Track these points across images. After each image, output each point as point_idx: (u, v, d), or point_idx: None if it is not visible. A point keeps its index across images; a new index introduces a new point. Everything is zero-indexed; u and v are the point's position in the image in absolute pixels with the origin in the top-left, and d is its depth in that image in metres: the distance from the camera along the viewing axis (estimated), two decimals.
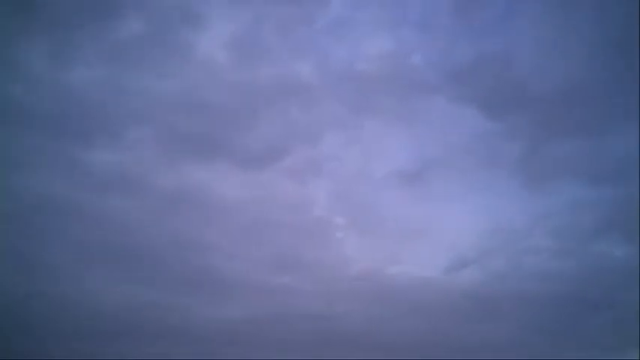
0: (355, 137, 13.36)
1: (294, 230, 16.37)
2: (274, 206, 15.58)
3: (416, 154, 13.52)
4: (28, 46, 12.14)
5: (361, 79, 13.13)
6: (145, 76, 12.30)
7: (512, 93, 12.52)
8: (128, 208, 14.26)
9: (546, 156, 12.97)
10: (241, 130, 13.15)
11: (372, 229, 15.60)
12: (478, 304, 17.75)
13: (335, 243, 18.25)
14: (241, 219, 14.85)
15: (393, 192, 14.17)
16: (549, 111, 12.30)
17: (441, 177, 13.32)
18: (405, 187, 13.60)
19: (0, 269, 15.73)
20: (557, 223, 13.89)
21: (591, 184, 12.10)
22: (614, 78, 11.32)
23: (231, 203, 14.90)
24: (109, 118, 12.30)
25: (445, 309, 17.65)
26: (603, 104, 11.64)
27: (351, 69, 12.92)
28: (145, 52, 12.32)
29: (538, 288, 16.50)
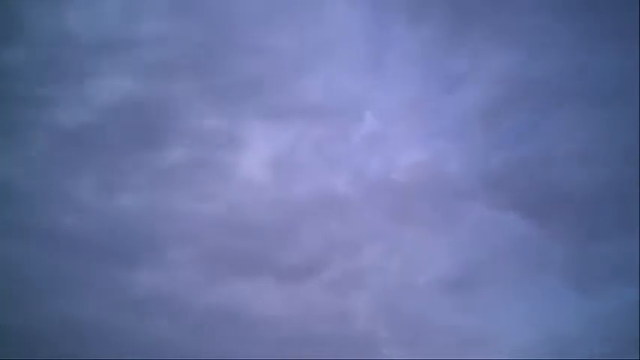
0: (395, 247, 13.32)
1: (336, 345, 15.98)
2: (315, 320, 15.34)
3: (458, 261, 13.34)
4: (77, 176, 12.66)
5: (397, 189, 13.31)
6: (188, 199, 12.67)
7: (551, 195, 12.48)
8: (165, 328, 14.19)
9: (593, 258, 12.68)
10: (281, 245, 13.29)
11: (416, 341, 15.09)
12: None
13: (380, 358, 17.69)
14: (282, 334, 14.61)
15: (437, 301, 13.83)
16: (592, 213, 12.16)
17: (486, 284, 13.04)
18: (449, 295, 13.30)
19: None
20: (611, 327, 13.29)
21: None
22: None
23: (271, 318, 14.72)
24: (153, 241, 12.58)
25: None
26: None
27: (387, 179, 13.14)
28: (188, 176, 12.76)
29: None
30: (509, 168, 13.34)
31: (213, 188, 13.97)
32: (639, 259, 12.49)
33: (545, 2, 13.87)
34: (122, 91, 13.93)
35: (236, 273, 14.95)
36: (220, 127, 14.00)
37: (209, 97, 14.30)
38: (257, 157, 14.08)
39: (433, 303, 15.65)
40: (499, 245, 14.29)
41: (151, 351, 15.77)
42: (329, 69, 14.54)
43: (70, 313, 13.91)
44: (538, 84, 13.95)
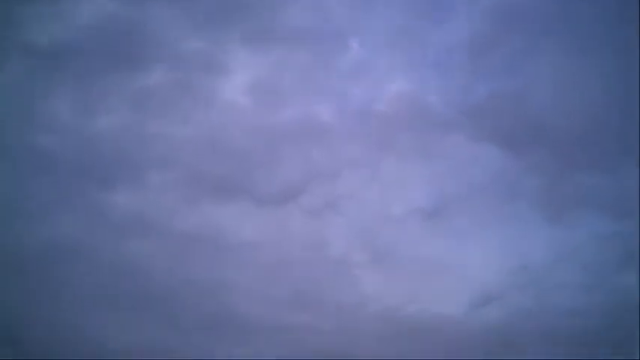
0: (374, 175, 13.46)
1: (311, 269, 16.37)
2: (292, 245, 15.63)
3: (435, 191, 13.57)
4: (53, 96, 12.38)
5: (379, 119, 13.31)
6: (167, 122, 12.53)
7: (531, 129, 12.61)
8: (145, 251, 14.35)
9: (568, 189, 13.00)
10: (261, 171, 13.31)
11: (391, 267, 15.53)
12: (501, 342, 17.53)
13: (353, 281, 18.20)
14: (259, 258, 14.88)
15: (412, 229, 14.15)
16: (568, 146, 12.35)
17: (461, 214, 13.35)
18: (424, 224, 13.61)
19: (13, 313, 15.86)
20: (583, 257, 13.81)
21: (615, 216, 12.08)
22: (632, 112, 11.41)
23: (248, 243, 14.97)
24: (131, 163, 12.50)
25: (466, 347, 17.43)
26: (622, 139, 11.69)
27: (370, 109, 13.12)
28: (168, 99, 12.57)
29: (564, 324, 16.22)
30: (489, 101, 13.41)
31: (193, 112, 13.81)
32: (611, 190, 12.84)
33: None
34: (101, 10, 13.41)
35: (215, 197, 15.05)
36: (202, 50, 13.67)
37: (191, 20, 13.88)
38: (238, 82, 13.86)
39: (408, 231, 16.04)
40: (475, 176, 14.55)
41: (132, 273, 15.97)
42: None
43: (48, 235, 13.95)
44: (523, 18, 13.79)
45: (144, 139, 12.60)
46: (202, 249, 17.00)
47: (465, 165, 13.75)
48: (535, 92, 12.92)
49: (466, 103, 13.31)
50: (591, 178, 13.00)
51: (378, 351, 18.17)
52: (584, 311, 16.64)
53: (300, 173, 13.89)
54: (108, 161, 12.35)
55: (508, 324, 17.30)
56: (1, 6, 12.21)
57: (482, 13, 13.08)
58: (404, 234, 15.04)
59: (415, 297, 18.81)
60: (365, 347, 18.20)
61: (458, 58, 13.67)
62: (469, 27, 13.37)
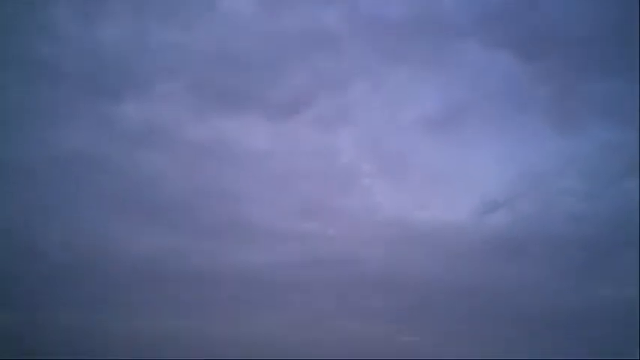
0: (383, 84, 13.29)
1: (321, 178, 16.57)
2: (301, 155, 15.70)
3: (445, 100, 13.46)
4: (53, 4, 12.04)
5: (390, 26, 12.94)
6: (171, 31, 12.24)
7: (543, 36, 12.31)
8: (156, 161, 14.45)
9: (577, 97, 12.90)
10: (268, 80, 13.13)
11: (399, 175, 15.67)
12: (505, 248, 18.07)
13: (362, 190, 18.48)
14: (269, 168, 15.00)
15: (421, 138, 14.16)
16: (579, 54, 12.13)
17: (470, 122, 13.32)
18: (433, 133, 13.61)
19: (30, 221, 16.25)
20: (587, 164, 13.93)
21: (621, 125, 12.06)
22: None
23: (258, 153, 15.03)
24: (138, 73, 12.35)
25: (471, 252, 18.03)
26: (633, 47, 11.45)
27: (380, 15, 12.69)
28: (173, 6, 12.22)
29: (567, 230, 16.72)
30: (504, 6, 12.98)
31: (197, 20, 13.41)
32: (619, 99, 12.74)
33: None
34: None
35: (224, 107, 14.97)
36: None
37: None
38: None
39: (416, 139, 16.08)
40: (487, 85, 14.39)
41: (144, 182, 16.18)
42: None
43: (59, 144, 14.01)
44: None
45: (148, 48, 12.35)
46: (212, 159, 17.18)
47: (476, 73, 13.55)
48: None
49: (479, 9, 12.88)
50: (601, 86, 12.85)
51: (386, 257, 18.76)
52: (587, 217, 17.06)
53: (308, 83, 13.73)
54: (113, 71, 12.18)
55: (513, 230, 17.81)
56: None
57: None
58: (413, 143, 15.07)
59: (423, 204, 19.18)
60: (373, 253, 18.77)
61: None
62: None
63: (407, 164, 14.30)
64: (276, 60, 13.08)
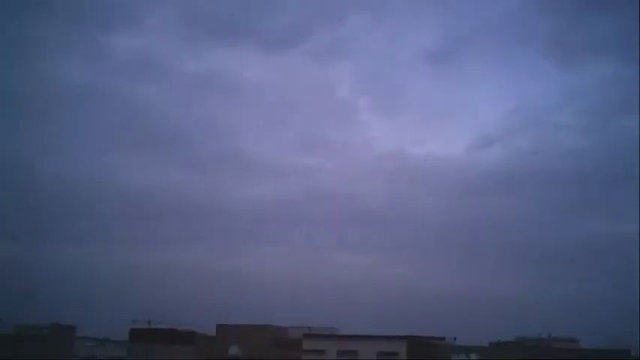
0: (381, 17, 13.37)
1: (318, 112, 16.98)
2: (298, 88, 16.02)
3: (444, 33, 13.57)
4: None
5: None
6: None
7: None
8: (152, 94, 14.77)
9: (577, 33, 13.02)
10: (264, 11, 13.23)
11: (397, 110, 16.09)
12: (501, 182, 18.73)
13: (359, 124, 18.94)
14: (266, 102, 15.38)
15: (419, 73, 14.36)
16: None
17: (470, 56, 13.54)
18: (432, 67, 13.80)
19: (27, 155, 16.91)
20: (586, 100, 14.19)
21: (620, 60, 12.27)
22: None
23: (255, 86, 15.32)
24: (127, 3, 12.46)
25: (467, 186, 18.73)
26: None
27: None
28: None
29: (564, 165, 17.15)
30: None
31: None
32: (623, 35, 12.89)
33: None
34: None
35: (219, 39, 15.14)
36: None
37: None
38: None
39: (415, 73, 16.31)
40: (488, 17, 14.46)
41: (140, 114, 16.58)
42: None
43: (54, 76, 14.35)
44: None
45: None
46: (209, 91, 17.58)
47: (477, 6, 13.59)
48: None
49: None
50: (601, 22, 12.96)
51: (383, 191, 19.45)
52: (585, 152, 17.51)
53: (306, 15, 13.81)
54: (104, 2, 12.32)
55: (509, 165, 18.34)
56: None
57: None
58: (411, 77, 15.32)
59: (420, 139, 19.77)
60: (370, 187, 19.48)
61: None
62: None
63: (405, 99, 14.62)
64: None
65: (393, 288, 63.42)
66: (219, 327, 24.13)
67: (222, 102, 66.52)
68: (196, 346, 22.50)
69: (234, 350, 21.98)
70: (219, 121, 66.35)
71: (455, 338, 22.26)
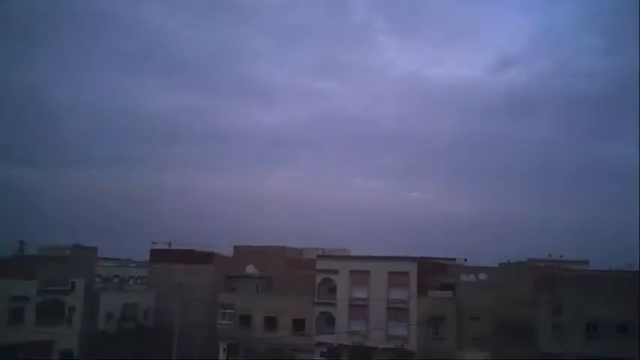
0: None
1: (333, 35, 16.58)
2: (313, 10, 15.59)
3: None
4: None
5: None
6: None
7: None
8: (167, 17, 14.50)
9: None
10: None
11: (414, 31, 15.60)
12: (517, 105, 18.39)
13: (376, 46, 18.47)
14: (280, 25, 15.01)
15: None
16: None
17: None
18: None
19: (44, 80, 16.88)
20: (610, 21, 13.65)
21: None
22: None
23: (269, 9, 14.93)
24: None
25: (483, 109, 18.42)
26: None
27: None
28: None
29: (582, 87, 16.67)
30: None
31: None
32: None
33: None
34: None
35: None
36: None
37: None
38: None
39: None
40: None
41: (154, 39, 16.24)
42: None
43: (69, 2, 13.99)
44: None
45: None
46: (222, 15, 17.08)
47: None
48: None
49: None
50: None
51: (398, 114, 19.21)
52: (604, 74, 16.96)
53: None
54: None
55: (528, 87, 17.87)
56: None
57: None
58: None
59: (437, 60, 19.22)
60: (385, 111, 19.23)
61: None
62: None
63: (423, 19, 14.18)
64: None
65: (406, 212, 64.34)
66: (236, 248, 25.02)
67: (235, 26, 65.27)
68: (214, 265, 23.41)
69: (250, 269, 22.72)
70: (231, 45, 65.42)
71: (465, 260, 22.74)
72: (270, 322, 20.31)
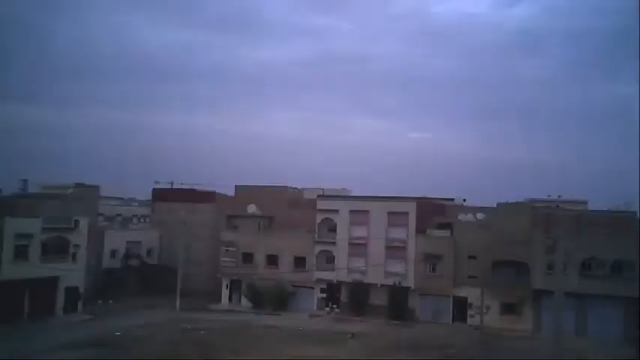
0: None
1: None
2: None
3: None
4: None
5: None
6: None
7: None
8: None
9: None
10: None
11: None
12: (526, 42, 17.94)
13: None
14: None
15: None
16: None
17: None
18: None
19: (41, 15, 16.44)
20: None
21: None
22: None
23: None
24: None
25: (490, 47, 17.98)
26: None
27: None
28: None
29: (590, 22, 16.21)
30: None
31: None
32: None
33: None
34: None
35: None
36: None
37: None
38: None
39: None
40: None
41: None
42: None
43: None
44: None
45: None
46: None
47: None
48: None
49: None
50: None
51: (402, 52, 18.80)
52: (617, 12, 16.48)
53: None
54: None
55: (536, 23, 17.39)
56: None
57: None
58: None
59: None
60: (388, 49, 18.83)
61: None
62: None
63: None
64: None
65: (408, 152, 64.35)
66: (237, 188, 25.25)
67: None
68: (216, 204, 23.79)
69: (252, 209, 22.97)
70: None
71: (464, 200, 22.91)
72: (272, 260, 20.70)
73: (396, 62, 68.04)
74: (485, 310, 17.05)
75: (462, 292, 18.51)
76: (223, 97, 67.74)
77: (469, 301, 18.48)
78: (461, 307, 18.80)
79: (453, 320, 18.74)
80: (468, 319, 18.24)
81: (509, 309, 18.03)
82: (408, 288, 18.75)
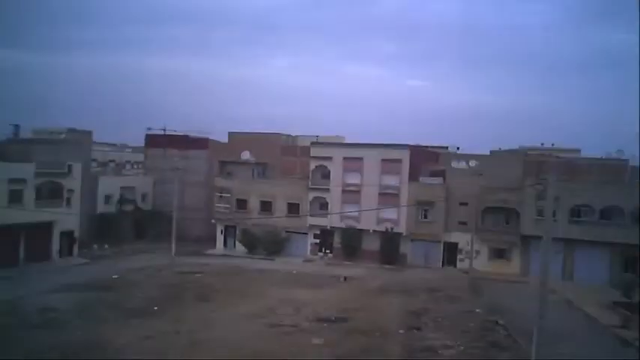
0: None
1: None
2: None
3: None
4: None
5: None
6: None
7: None
8: None
9: None
10: None
11: None
12: None
13: None
14: None
15: None
16: None
17: None
18: None
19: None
20: None
21: None
22: None
23: None
24: None
25: None
26: None
27: None
28: None
29: None
30: None
31: None
32: None
33: None
34: None
35: None
36: None
37: None
38: None
39: None
40: None
41: None
42: None
43: None
44: None
45: None
46: None
47: None
48: None
49: None
50: None
51: None
52: None
53: None
54: None
55: None
56: None
57: None
58: None
59: None
60: None
61: None
62: None
63: None
64: None
65: (403, 99, 63.99)
66: (231, 134, 25.28)
67: None
68: (210, 150, 23.75)
69: (245, 155, 22.97)
70: None
71: (458, 148, 22.99)
72: (266, 206, 20.90)
73: (396, 6, 66.83)
74: (474, 255, 17.44)
75: (452, 238, 18.86)
76: (215, 41, 66.59)
77: (459, 246, 18.87)
78: (451, 252, 19.18)
79: (443, 265, 19.08)
80: (458, 264, 18.61)
81: (498, 254, 18.37)
82: (400, 234, 19.06)
